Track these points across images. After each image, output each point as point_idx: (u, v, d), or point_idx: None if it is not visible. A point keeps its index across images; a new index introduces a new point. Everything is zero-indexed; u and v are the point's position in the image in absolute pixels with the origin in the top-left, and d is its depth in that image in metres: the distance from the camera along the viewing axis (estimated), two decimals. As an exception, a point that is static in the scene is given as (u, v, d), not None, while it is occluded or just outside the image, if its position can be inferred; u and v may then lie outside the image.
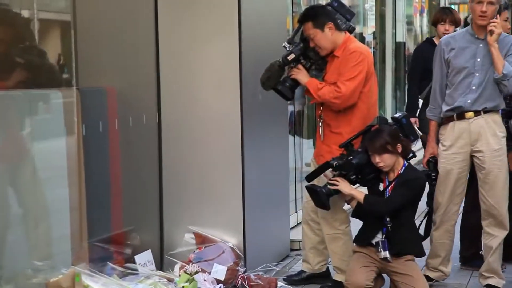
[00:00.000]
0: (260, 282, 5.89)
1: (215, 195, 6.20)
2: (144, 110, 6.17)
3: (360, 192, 5.57)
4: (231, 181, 6.17)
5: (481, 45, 5.76)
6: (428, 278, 5.93)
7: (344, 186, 5.60)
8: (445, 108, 5.88)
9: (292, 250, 7.13)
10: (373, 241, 5.53)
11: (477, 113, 5.79)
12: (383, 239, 5.48)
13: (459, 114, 5.82)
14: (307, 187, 5.77)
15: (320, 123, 5.90)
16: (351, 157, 5.59)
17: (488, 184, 5.80)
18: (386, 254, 5.46)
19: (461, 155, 5.85)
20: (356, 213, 5.66)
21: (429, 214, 6.12)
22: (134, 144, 6.07)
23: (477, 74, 5.77)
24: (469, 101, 5.78)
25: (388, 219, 5.50)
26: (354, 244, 5.72)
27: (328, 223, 5.91)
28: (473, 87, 5.77)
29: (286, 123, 7.19)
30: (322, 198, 5.65)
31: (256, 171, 6.37)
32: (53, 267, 5.11)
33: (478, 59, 5.76)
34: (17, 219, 5.21)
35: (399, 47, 13.97)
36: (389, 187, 5.52)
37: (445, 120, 5.92)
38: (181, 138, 6.23)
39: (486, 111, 5.78)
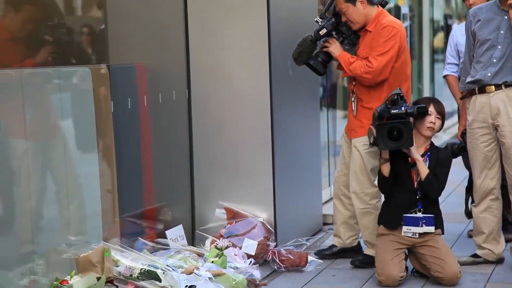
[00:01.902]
0: (291, 257, 5.90)
1: (245, 170, 6.21)
2: (174, 86, 6.19)
3: (425, 167, 5.51)
4: (261, 156, 6.17)
5: (506, 17, 5.67)
6: (475, 256, 5.92)
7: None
8: (468, 79, 5.81)
9: (324, 224, 7.14)
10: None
11: (497, 87, 5.70)
12: (424, 216, 5.47)
13: (480, 88, 5.74)
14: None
15: (352, 98, 5.89)
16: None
17: (510, 159, 5.73)
18: (431, 229, 5.47)
19: (484, 129, 5.77)
20: (385, 188, 5.61)
21: (469, 189, 6.11)
22: (164, 121, 6.10)
23: (499, 47, 5.68)
24: (489, 74, 5.70)
25: (421, 195, 5.49)
26: (380, 225, 5.67)
27: (359, 198, 5.90)
28: (494, 60, 5.69)
29: (317, 97, 7.16)
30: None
31: (286, 146, 6.37)
32: (85, 243, 5.17)
33: (502, 32, 5.67)
34: (50, 195, 5.27)
35: (436, 19, 13.82)
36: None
37: (467, 94, 5.86)
38: (211, 113, 6.24)
39: (507, 85, 5.68)
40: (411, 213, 5.51)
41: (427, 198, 5.51)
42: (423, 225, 5.47)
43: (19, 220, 5.01)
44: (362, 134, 5.82)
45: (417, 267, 5.63)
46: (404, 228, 5.50)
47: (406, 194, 5.53)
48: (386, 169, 5.53)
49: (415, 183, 5.53)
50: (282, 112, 6.28)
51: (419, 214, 5.50)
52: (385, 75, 5.74)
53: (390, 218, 5.59)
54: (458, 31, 6.69)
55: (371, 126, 5.52)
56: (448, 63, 6.76)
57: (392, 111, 5.44)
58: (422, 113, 5.49)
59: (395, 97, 5.50)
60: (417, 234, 5.48)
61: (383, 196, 5.79)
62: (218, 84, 6.20)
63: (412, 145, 5.42)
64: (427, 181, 5.46)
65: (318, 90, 7.20)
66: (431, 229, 5.48)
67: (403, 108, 5.45)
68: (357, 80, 5.83)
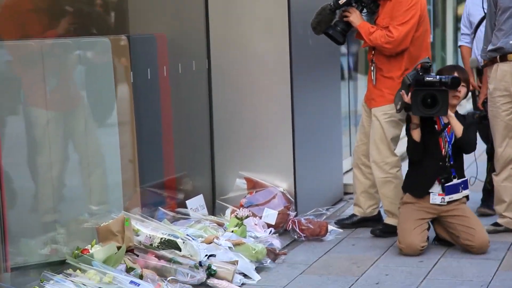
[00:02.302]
0: (311, 226, 5.92)
1: (265, 140, 6.22)
2: (194, 56, 6.18)
3: (459, 123, 5.48)
4: (281, 126, 6.17)
5: None
6: (496, 224, 5.90)
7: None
8: (489, 47, 5.76)
9: (345, 194, 7.14)
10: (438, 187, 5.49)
11: None
12: (462, 180, 5.49)
13: (502, 56, 5.69)
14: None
15: (371, 67, 5.86)
16: None
17: None
18: (467, 192, 5.50)
19: (506, 98, 5.73)
20: (416, 153, 5.57)
21: (490, 158, 6.08)
22: (184, 91, 6.11)
23: None
24: (510, 42, 5.64)
25: (452, 162, 5.49)
26: (406, 193, 5.66)
27: (379, 167, 5.89)
28: None
29: (338, 66, 7.13)
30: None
31: (306, 115, 6.36)
32: (106, 213, 5.21)
33: None
34: (72, 166, 5.31)
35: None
36: (447, 128, 5.50)
37: (489, 62, 5.81)
38: (230, 83, 6.24)
39: None
40: (443, 181, 5.48)
41: (457, 162, 5.50)
42: (462, 190, 5.49)
43: (41, 190, 5.06)
44: (382, 103, 5.80)
45: (443, 235, 5.63)
46: (446, 197, 5.48)
47: (435, 162, 5.51)
48: (417, 134, 5.50)
49: (443, 150, 5.50)
50: (302, 81, 6.26)
51: (456, 180, 5.49)
52: (405, 45, 5.71)
53: (417, 187, 5.58)
54: (471, 1, 6.61)
55: (402, 91, 5.47)
56: (462, 34, 6.71)
57: (427, 78, 5.41)
58: (455, 84, 5.45)
59: (427, 65, 5.47)
60: (445, 202, 5.48)
61: (404, 165, 5.77)
62: (238, 54, 6.19)
63: (446, 113, 5.42)
64: (464, 136, 5.45)
65: (339, 59, 7.17)
66: (468, 192, 5.52)
67: (437, 76, 5.42)
68: (377, 50, 5.80)
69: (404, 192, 5.67)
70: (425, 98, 5.37)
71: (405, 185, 5.68)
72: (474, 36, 6.52)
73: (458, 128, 5.46)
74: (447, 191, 5.48)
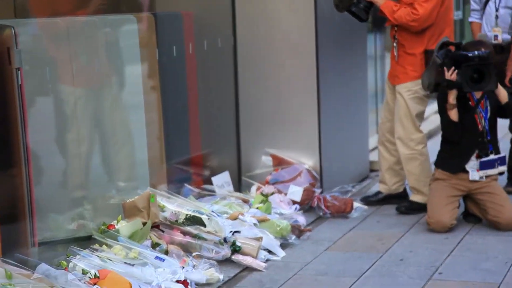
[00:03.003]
0: (336, 203, 5.93)
1: (291, 117, 6.23)
2: (219, 33, 6.19)
3: (503, 89, 5.44)
4: (307, 103, 6.18)
5: None
6: None
7: None
8: None
9: (371, 171, 7.14)
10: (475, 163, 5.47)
11: None
12: (498, 156, 5.47)
13: None
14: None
15: (394, 44, 5.84)
16: None
17: None
18: (504, 168, 5.51)
19: None
20: (455, 133, 5.53)
21: None
22: (210, 68, 6.12)
23: None
24: None
25: (489, 137, 5.48)
26: (438, 169, 5.62)
27: (404, 144, 5.89)
28: None
29: (365, 43, 7.09)
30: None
31: (332, 92, 6.35)
32: (132, 189, 5.26)
33: None
34: (99, 142, 5.37)
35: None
36: (480, 103, 5.48)
37: None
38: (256, 60, 6.24)
39: None
40: (482, 156, 5.46)
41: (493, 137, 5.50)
42: (498, 166, 5.48)
43: (68, 167, 5.12)
44: (405, 80, 5.78)
45: (473, 210, 5.62)
46: (481, 172, 5.46)
47: (472, 138, 5.48)
48: (455, 114, 5.45)
49: (479, 126, 5.47)
50: (328, 58, 6.25)
51: (493, 156, 5.47)
52: (431, 21, 5.68)
53: (452, 163, 5.55)
54: None
55: (446, 67, 5.42)
56: (472, 10, 6.65)
57: (470, 54, 5.37)
58: (491, 57, 5.41)
59: (457, 43, 5.49)
60: (484, 177, 5.46)
61: (432, 142, 5.76)
62: (264, 30, 6.19)
63: (496, 87, 5.38)
64: (510, 101, 5.43)
65: (366, 35, 7.13)
66: (504, 168, 5.51)
67: (476, 52, 5.39)
68: (399, 26, 5.77)
69: (437, 167, 5.65)
70: (472, 74, 5.34)
71: (439, 161, 5.65)
72: (483, 12, 6.46)
73: (503, 94, 5.42)
74: (483, 166, 5.45)
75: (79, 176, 5.17)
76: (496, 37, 6.27)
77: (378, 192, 6.24)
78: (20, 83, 4.31)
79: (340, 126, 6.52)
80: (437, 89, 5.54)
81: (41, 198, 4.65)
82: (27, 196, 4.37)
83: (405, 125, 5.84)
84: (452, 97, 5.41)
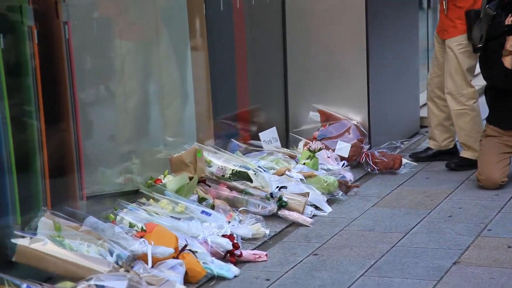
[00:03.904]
0: (385, 159, 5.88)
1: (340, 72, 6.16)
2: (267, -13, 6.14)
3: None
4: (356, 58, 6.11)
5: None
6: None
7: None
8: None
9: (422, 127, 7.05)
10: None
11: None
12: None
13: None
14: None
15: (443, -3, 5.74)
16: None
17: None
18: None
19: None
20: (509, 81, 5.39)
21: None
22: (258, 22, 6.08)
23: None
24: None
25: None
26: (490, 125, 5.54)
27: (454, 99, 5.80)
28: None
29: (416, -3, 6.99)
30: None
31: (382, 47, 6.27)
32: (180, 144, 5.28)
33: None
34: (147, 97, 5.38)
35: None
36: None
37: None
38: (305, 14, 6.17)
39: None
40: None
41: None
42: None
43: (117, 121, 5.15)
44: (454, 34, 5.68)
45: None
46: None
47: None
48: (510, 62, 5.34)
49: None
50: (378, 12, 6.15)
51: None
52: None
53: (505, 119, 5.45)
54: None
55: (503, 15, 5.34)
56: None
57: None
58: None
59: None
60: None
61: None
62: (313, -16, 6.13)
63: None
64: None
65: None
66: None
67: None
68: None
69: (489, 123, 5.55)
70: None
71: (491, 117, 5.55)
72: None
73: None
74: None
75: (127, 130, 5.20)
76: None
77: (428, 149, 6.17)
78: (67, 37, 4.32)
79: (389, 81, 6.44)
80: (487, 43, 5.42)
81: (89, 152, 4.69)
82: (75, 150, 4.41)
83: (456, 80, 5.75)
84: (510, 43, 5.29)
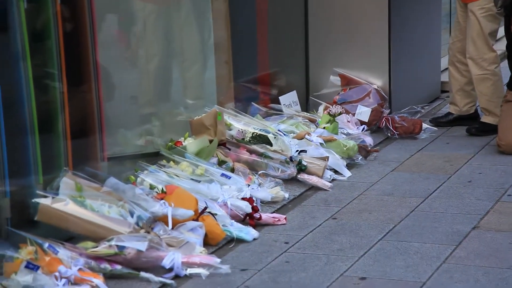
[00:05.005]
0: (405, 124, 5.87)
1: (360, 36, 6.13)
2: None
3: None
4: (377, 22, 6.07)
5: None
6: None
7: None
8: None
9: (443, 92, 7.02)
10: None
11: None
12: None
13: None
14: None
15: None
16: None
17: None
18: None
19: None
20: None
21: None
22: (279, -14, 6.06)
23: None
24: None
25: None
26: (510, 91, 5.49)
27: (476, 64, 5.77)
28: None
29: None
30: None
31: (403, 11, 6.22)
32: (200, 107, 5.29)
33: None
34: (168, 60, 5.39)
35: None
36: None
37: None
38: (326, -22, 6.15)
39: None
40: None
41: None
42: None
43: (138, 83, 5.17)
44: (477, -2, 5.64)
45: None
46: None
47: None
48: None
49: None
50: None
51: None
52: None
53: None
54: None
55: None
56: None
57: None
58: None
59: None
60: None
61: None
62: None
63: None
64: None
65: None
66: None
67: None
68: None
69: (509, 89, 5.51)
70: None
71: (511, 81, 5.52)
72: None
73: None
74: None
75: (147, 92, 5.22)
76: None
77: (449, 113, 6.15)
78: (90, -1, 4.33)
79: (411, 45, 6.40)
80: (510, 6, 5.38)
81: (110, 114, 4.71)
82: (97, 112, 4.43)
83: (478, 45, 5.71)
84: None
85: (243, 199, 4.34)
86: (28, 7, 3.91)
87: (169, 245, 3.75)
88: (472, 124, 5.96)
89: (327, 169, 4.99)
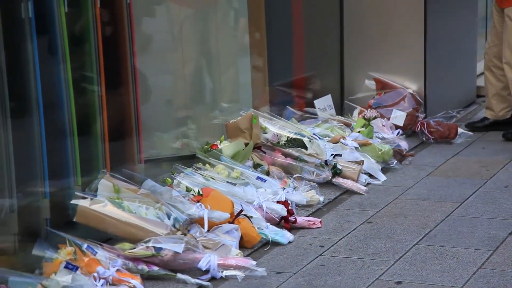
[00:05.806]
0: (440, 128, 5.86)
1: (396, 40, 6.13)
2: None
3: None
4: (413, 26, 6.07)
5: None
6: None
7: None
8: None
9: (478, 96, 6.99)
10: None
11: None
12: None
13: None
14: None
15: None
16: None
17: None
18: None
19: None
20: None
21: None
22: (315, -11, 6.07)
23: None
24: None
25: None
26: None
27: (512, 68, 5.75)
28: None
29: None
30: None
31: (439, 16, 6.20)
32: (235, 110, 5.31)
33: None
34: (204, 63, 5.43)
35: None
36: None
37: None
38: (362, -18, 6.15)
39: None
40: None
41: None
42: None
43: (174, 86, 5.21)
44: (513, 3, 5.62)
45: None
46: None
47: None
48: None
49: None
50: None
51: None
52: None
53: None
54: None
55: None
56: None
57: None
58: None
59: None
60: None
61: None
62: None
63: None
64: None
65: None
66: None
67: None
68: None
69: None
70: None
71: None
72: None
73: None
74: None
75: (183, 96, 5.25)
76: None
77: (484, 118, 6.13)
78: (128, 2, 4.37)
79: (447, 50, 6.38)
80: None
81: (147, 117, 4.75)
82: (134, 114, 4.47)
83: (514, 50, 5.70)
84: None
85: (278, 202, 4.35)
86: (69, 11, 3.96)
87: (205, 247, 3.78)
88: (508, 129, 5.93)
89: (362, 173, 5.00)
